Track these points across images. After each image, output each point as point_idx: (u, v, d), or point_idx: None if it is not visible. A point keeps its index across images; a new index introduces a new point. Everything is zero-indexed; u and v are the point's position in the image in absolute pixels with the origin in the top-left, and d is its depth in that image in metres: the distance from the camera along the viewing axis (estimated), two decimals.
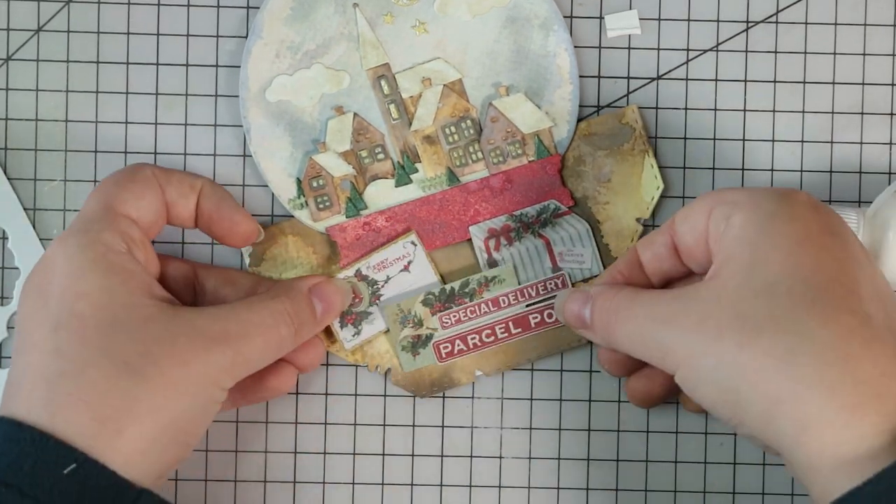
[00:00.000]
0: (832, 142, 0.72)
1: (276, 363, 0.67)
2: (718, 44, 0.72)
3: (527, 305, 0.71)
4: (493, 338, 0.71)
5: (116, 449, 0.59)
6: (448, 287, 0.71)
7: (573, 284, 0.71)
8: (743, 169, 0.72)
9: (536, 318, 0.71)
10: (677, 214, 0.65)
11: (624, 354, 0.67)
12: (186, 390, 0.61)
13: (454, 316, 0.71)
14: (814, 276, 0.59)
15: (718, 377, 0.59)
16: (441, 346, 0.71)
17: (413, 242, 0.70)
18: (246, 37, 0.72)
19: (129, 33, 0.72)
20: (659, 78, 0.72)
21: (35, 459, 0.57)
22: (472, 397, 0.72)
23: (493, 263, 0.71)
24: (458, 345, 0.71)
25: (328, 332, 0.71)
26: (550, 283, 0.71)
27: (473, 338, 0.71)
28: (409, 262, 0.71)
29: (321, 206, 0.71)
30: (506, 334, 0.71)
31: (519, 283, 0.71)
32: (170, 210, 0.67)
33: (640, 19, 0.72)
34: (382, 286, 0.71)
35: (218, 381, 0.62)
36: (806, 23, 0.72)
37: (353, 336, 0.71)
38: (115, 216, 0.64)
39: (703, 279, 0.63)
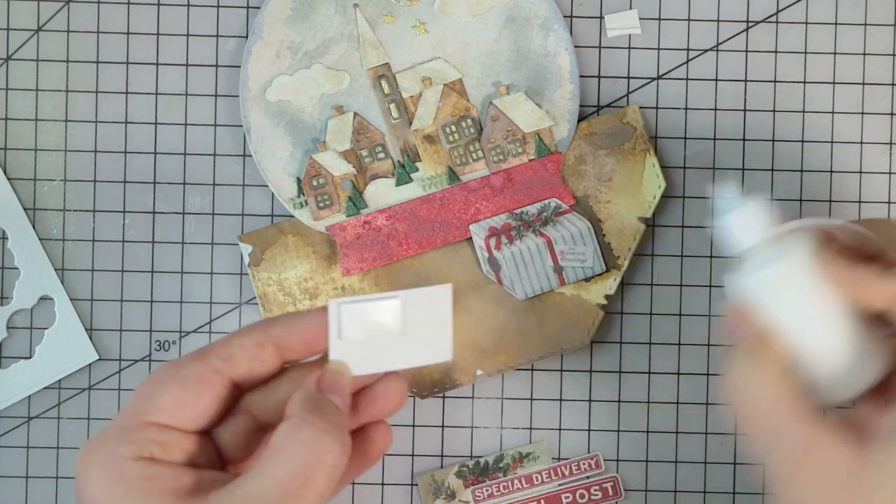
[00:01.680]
0: (832, 142, 0.72)
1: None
2: (718, 44, 0.72)
3: (559, 484, 0.72)
4: None
5: None
6: (482, 461, 0.72)
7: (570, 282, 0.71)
8: (743, 169, 0.72)
9: (568, 497, 0.72)
10: None
11: None
12: None
13: (487, 490, 0.71)
14: None
15: None
16: None
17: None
18: (246, 37, 0.72)
19: (129, 33, 0.72)
20: (659, 78, 0.72)
21: None
22: (472, 397, 0.72)
23: (493, 262, 0.71)
24: None
25: None
26: (584, 464, 0.71)
27: None
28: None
29: (321, 205, 0.71)
30: None
31: (552, 461, 0.72)
32: (248, 379, 0.58)
33: (640, 19, 0.72)
34: None
35: None
36: (806, 23, 0.72)
37: None
38: (141, 426, 0.56)
39: None
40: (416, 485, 0.72)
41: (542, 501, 0.71)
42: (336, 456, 0.54)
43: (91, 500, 0.56)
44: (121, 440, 0.56)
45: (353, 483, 0.72)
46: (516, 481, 0.72)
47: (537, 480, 0.72)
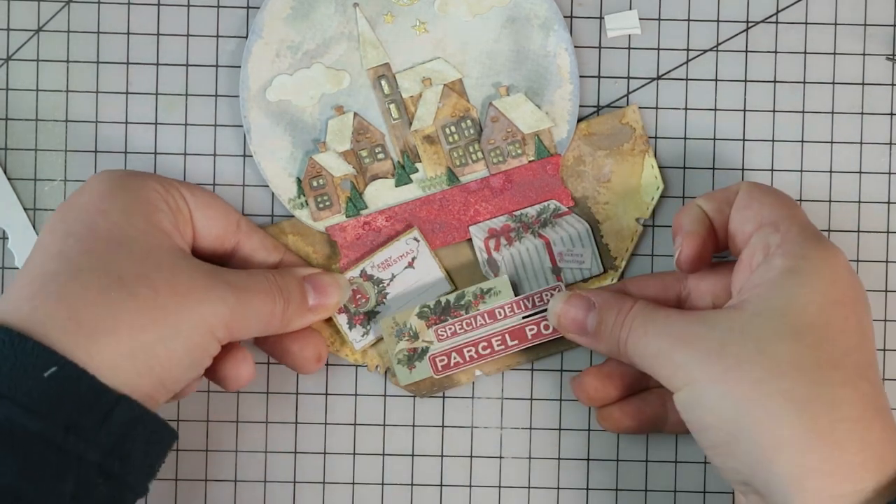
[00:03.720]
0: (832, 142, 0.72)
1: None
2: (718, 44, 0.72)
3: (523, 317, 0.71)
4: (489, 350, 0.71)
5: (91, 354, 0.59)
6: (444, 300, 0.71)
7: (568, 287, 0.71)
8: (743, 169, 0.72)
9: (533, 329, 0.71)
10: (736, 201, 0.65)
11: (601, 388, 0.69)
12: (177, 325, 0.61)
13: (450, 328, 0.71)
14: (841, 338, 0.60)
15: (724, 405, 0.60)
16: (437, 359, 0.71)
17: (416, 238, 0.70)
18: (246, 37, 0.72)
19: (129, 33, 0.72)
20: (659, 78, 0.72)
21: (13, 362, 0.58)
22: (472, 397, 0.72)
23: (492, 263, 0.71)
24: (455, 357, 0.71)
25: (338, 333, 0.71)
26: (547, 295, 0.71)
27: (470, 350, 0.71)
28: (414, 259, 0.71)
29: (321, 205, 0.71)
30: (502, 346, 0.71)
31: (514, 295, 0.70)
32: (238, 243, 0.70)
33: (640, 19, 0.72)
34: (388, 284, 0.71)
35: (212, 329, 0.62)
36: (806, 23, 0.72)
37: (363, 336, 0.71)
38: (175, 188, 0.67)
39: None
40: (416, 484, 0.72)
41: (507, 335, 0.71)
42: (279, 307, 0.65)
43: (90, 198, 0.64)
44: (153, 178, 0.67)
45: (354, 483, 0.72)
46: (479, 317, 0.71)
47: (500, 315, 0.71)
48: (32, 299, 0.60)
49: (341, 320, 0.71)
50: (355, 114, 0.71)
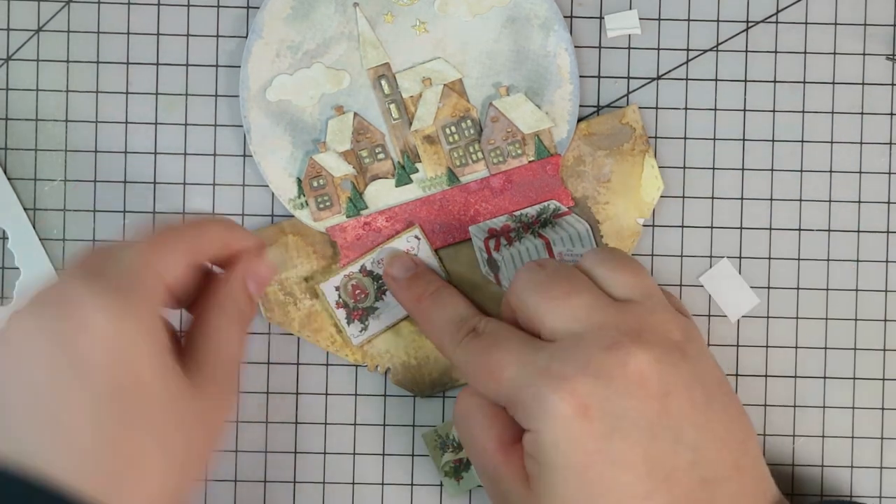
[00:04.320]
0: (832, 142, 0.72)
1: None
2: (718, 44, 0.72)
3: None
4: None
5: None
6: None
7: None
8: (743, 169, 0.72)
9: None
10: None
11: None
12: (188, 462, 0.59)
13: None
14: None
15: None
16: None
17: (416, 236, 0.70)
18: (246, 37, 0.72)
19: (129, 33, 0.72)
20: (659, 78, 0.72)
21: None
22: None
23: (493, 263, 0.71)
24: None
25: (336, 328, 0.71)
26: None
27: None
28: (414, 257, 0.71)
29: (321, 205, 0.71)
30: None
31: None
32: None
33: (640, 19, 0.72)
34: None
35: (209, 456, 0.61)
36: (806, 23, 0.72)
37: (361, 332, 0.71)
38: (156, 279, 0.59)
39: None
40: (416, 484, 0.72)
41: None
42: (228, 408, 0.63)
43: (105, 344, 0.56)
44: (145, 297, 0.59)
45: (354, 483, 0.72)
46: None
47: None
48: (59, 448, 0.55)
49: (340, 315, 0.71)
50: (355, 114, 0.71)
